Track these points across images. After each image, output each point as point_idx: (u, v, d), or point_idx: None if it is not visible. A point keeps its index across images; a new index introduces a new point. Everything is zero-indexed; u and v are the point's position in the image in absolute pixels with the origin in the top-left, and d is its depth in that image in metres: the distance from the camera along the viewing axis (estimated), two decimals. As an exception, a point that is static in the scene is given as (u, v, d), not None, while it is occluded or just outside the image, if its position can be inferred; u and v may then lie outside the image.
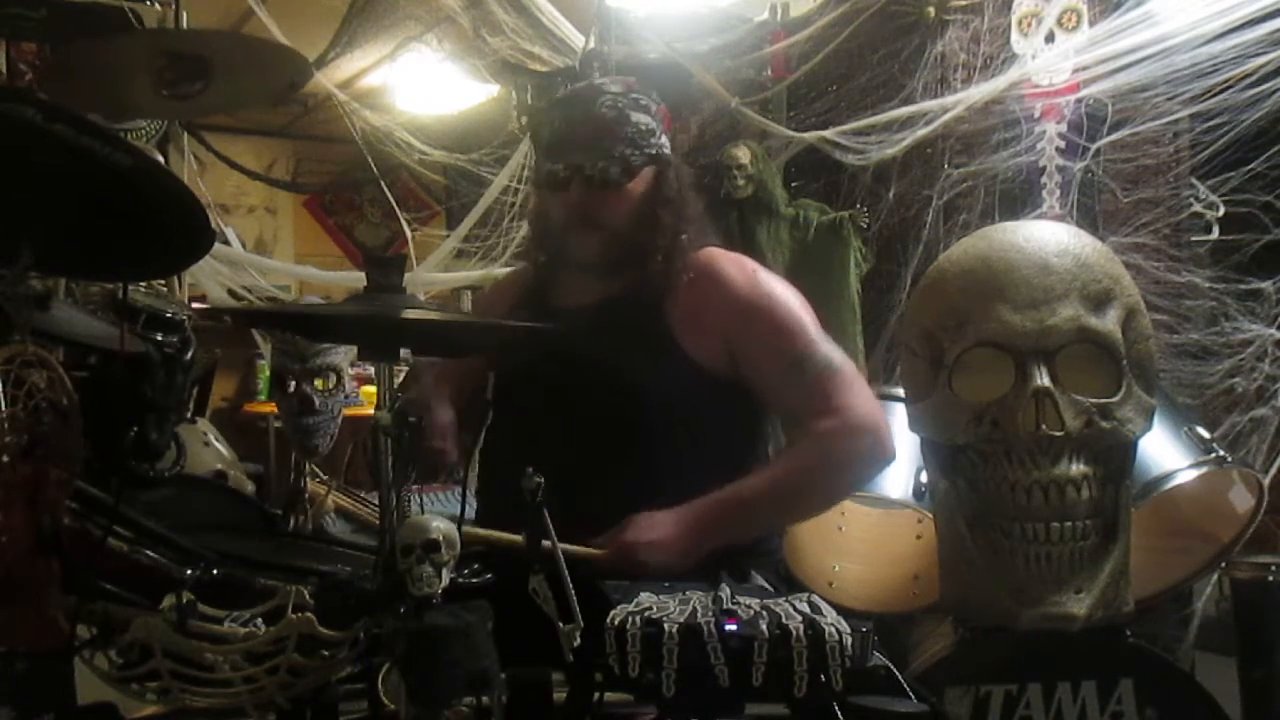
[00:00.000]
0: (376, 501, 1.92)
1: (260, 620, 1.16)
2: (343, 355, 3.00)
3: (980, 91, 3.32)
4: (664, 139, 1.87)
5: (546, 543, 1.19)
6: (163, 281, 3.07)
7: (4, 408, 1.16)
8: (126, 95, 1.74)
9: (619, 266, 1.85)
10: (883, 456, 1.81)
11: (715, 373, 1.80)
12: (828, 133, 3.57)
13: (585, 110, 1.83)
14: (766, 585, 1.64)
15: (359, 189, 6.57)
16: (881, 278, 3.73)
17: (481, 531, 1.43)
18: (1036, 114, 3.29)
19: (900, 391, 2.06)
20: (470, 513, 1.88)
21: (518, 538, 1.24)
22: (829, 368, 1.79)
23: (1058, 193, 3.26)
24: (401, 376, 2.11)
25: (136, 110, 2.49)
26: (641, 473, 1.74)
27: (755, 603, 1.17)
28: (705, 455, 1.78)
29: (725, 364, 1.81)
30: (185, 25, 3.53)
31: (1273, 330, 2.86)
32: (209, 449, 2.88)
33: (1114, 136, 3.16)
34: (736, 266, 1.86)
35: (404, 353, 1.44)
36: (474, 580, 1.21)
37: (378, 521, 1.50)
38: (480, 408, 1.89)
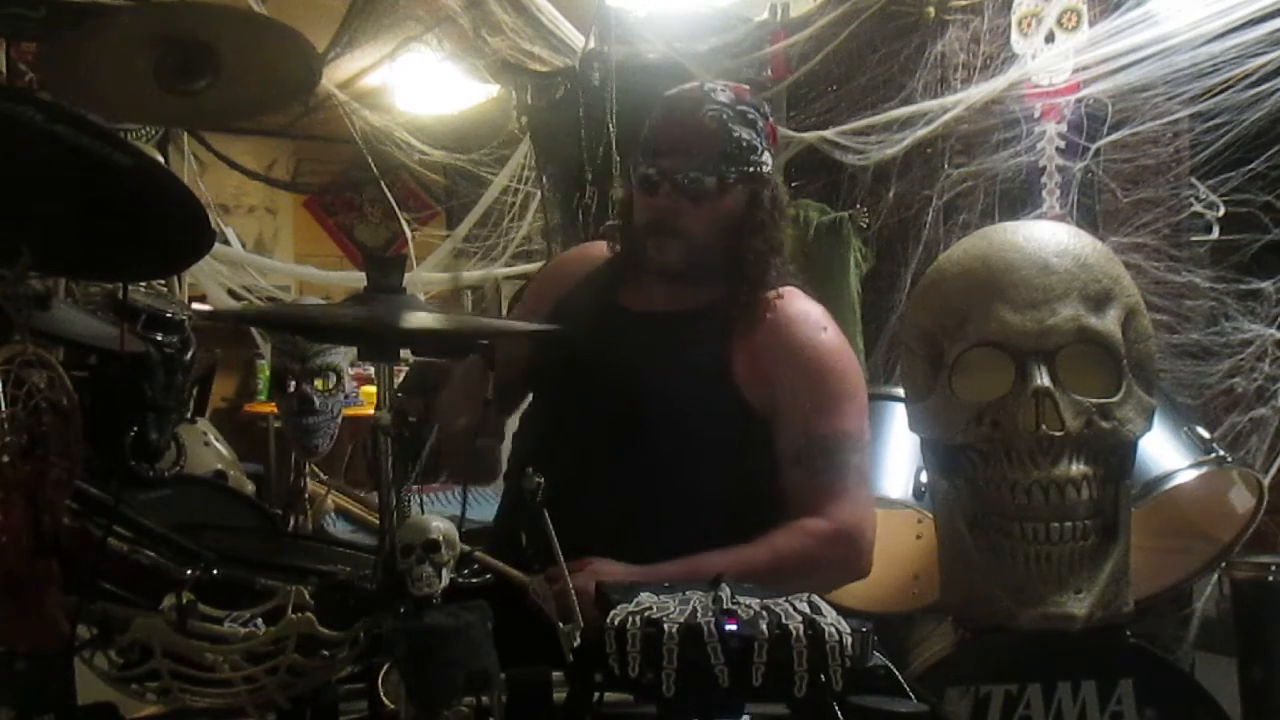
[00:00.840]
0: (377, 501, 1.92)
1: (260, 620, 1.16)
2: (343, 355, 3.01)
3: (980, 91, 3.32)
4: (766, 157, 1.80)
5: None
6: (163, 281, 3.08)
7: (4, 408, 1.16)
8: (124, 92, 1.72)
9: (694, 280, 1.80)
10: (856, 571, 1.75)
11: (759, 411, 1.76)
12: (828, 133, 3.57)
13: (687, 116, 1.77)
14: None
15: (359, 189, 6.57)
16: (881, 278, 3.73)
17: (492, 561, 1.40)
18: (1036, 114, 3.30)
19: (900, 391, 2.06)
20: (479, 512, 1.89)
21: (522, 576, 1.23)
22: (842, 468, 1.73)
23: (1058, 193, 3.26)
24: (401, 376, 2.11)
25: (136, 111, 2.47)
26: (666, 486, 1.71)
27: (755, 603, 1.17)
28: (733, 484, 1.74)
29: (769, 407, 1.76)
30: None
31: (1273, 330, 2.86)
32: (209, 449, 2.88)
33: (1114, 136, 3.15)
34: (810, 320, 1.80)
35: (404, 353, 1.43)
36: (474, 580, 1.21)
37: (377, 521, 1.50)
38: (480, 409, 1.89)
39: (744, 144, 1.75)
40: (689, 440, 1.72)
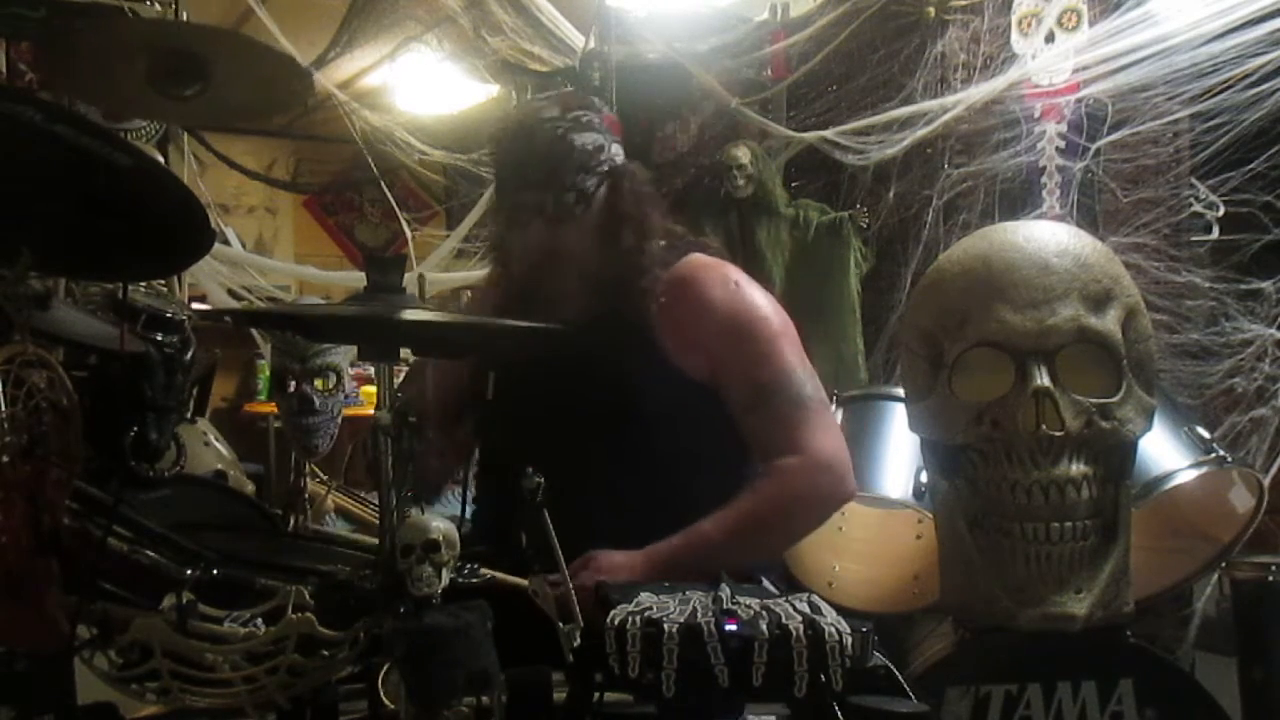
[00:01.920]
0: (376, 501, 1.92)
1: (260, 620, 1.16)
2: (343, 355, 3.00)
3: (980, 91, 3.32)
4: (615, 149, 1.81)
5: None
6: (163, 281, 3.07)
7: (4, 408, 1.16)
8: (120, 89, 1.73)
9: (593, 289, 1.81)
10: (842, 495, 1.78)
11: (702, 382, 1.78)
12: (828, 133, 3.57)
13: (528, 145, 1.77)
14: (768, 585, 1.64)
15: (359, 189, 6.56)
16: (881, 278, 3.73)
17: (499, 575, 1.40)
18: (1036, 114, 3.30)
19: (900, 391, 2.06)
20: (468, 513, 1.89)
21: (522, 580, 1.23)
22: (796, 402, 1.75)
23: (1058, 193, 3.26)
24: (401, 377, 2.11)
25: (132, 106, 2.47)
26: (631, 480, 1.72)
27: (755, 603, 1.17)
28: (697, 463, 1.76)
29: (709, 375, 1.79)
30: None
31: (1273, 330, 2.86)
32: (209, 449, 2.88)
33: (1114, 136, 3.15)
34: (718, 280, 1.81)
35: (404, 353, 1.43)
36: (474, 580, 1.21)
37: (377, 521, 1.50)
38: (481, 409, 1.90)
39: (590, 148, 1.77)
40: (650, 431, 1.74)
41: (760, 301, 1.82)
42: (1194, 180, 3.09)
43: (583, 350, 1.73)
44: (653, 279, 1.79)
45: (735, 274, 1.84)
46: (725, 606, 1.16)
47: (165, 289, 3.09)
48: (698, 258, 1.86)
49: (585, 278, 1.81)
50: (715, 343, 1.77)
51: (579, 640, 1.16)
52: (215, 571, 1.26)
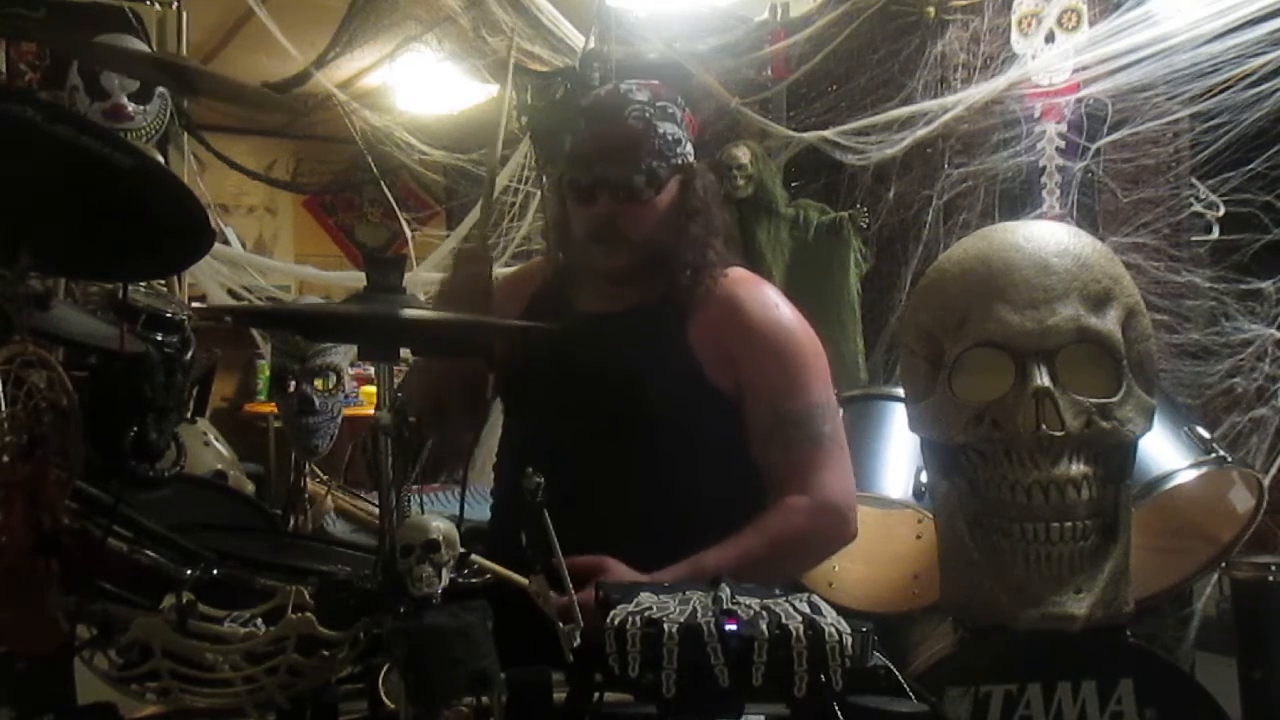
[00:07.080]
0: (377, 501, 1.93)
1: (260, 620, 1.16)
2: (343, 355, 3.00)
3: (980, 91, 3.32)
4: (689, 147, 1.83)
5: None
6: (163, 281, 3.08)
7: (4, 408, 1.16)
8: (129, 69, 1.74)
9: (646, 277, 1.82)
10: (843, 538, 1.78)
11: (726, 393, 1.78)
12: (828, 133, 3.57)
13: (612, 121, 1.78)
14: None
15: (359, 189, 6.57)
16: (881, 278, 3.74)
17: (488, 564, 1.40)
18: (1036, 114, 3.30)
19: (900, 391, 2.06)
20: (479, 512, 1.89)
21: (523, 580, 1.23)
22: (814, 440, 1.75)
23: (1058, 193, 3.26)
24: (401, 377, 2.11)
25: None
26: (652, 483, 1.72)
27: (755, 603, 1.17)
28: (716, 472, 1.76)
29: (734, 389, 1.78)
30: (186, 26, 3.55)
31: (1273, 330, 2.86)
32: (209, 449, 2.88)
33: (1114, 136, 3.16)
34: (759, 299, 1.81)
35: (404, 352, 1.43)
36: (474, 580, 1.21)
37: (377, 521, 1.50)
38: (481, 409, 1.90)
39: (669, 138, 1.78)
40: (669, 434, 1.74)
41: (797, 329, 1.81)
42: (1194, 180, 3.09)
43: (619, 339, 1.76)
44: (712, 275, 1.80)
45: (776, 295, 1.84)
46: (725, 606, 1.16)
47: (165, 289, 3.09)
48: (741, 272, 1.87)
49: (641, 262, 1.81)
50: (745, 361, 1.77)
51: (579, 640, 1.16)
52: (215, 571, 1.26)
